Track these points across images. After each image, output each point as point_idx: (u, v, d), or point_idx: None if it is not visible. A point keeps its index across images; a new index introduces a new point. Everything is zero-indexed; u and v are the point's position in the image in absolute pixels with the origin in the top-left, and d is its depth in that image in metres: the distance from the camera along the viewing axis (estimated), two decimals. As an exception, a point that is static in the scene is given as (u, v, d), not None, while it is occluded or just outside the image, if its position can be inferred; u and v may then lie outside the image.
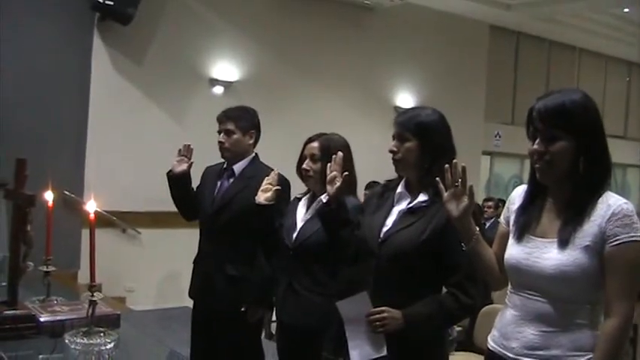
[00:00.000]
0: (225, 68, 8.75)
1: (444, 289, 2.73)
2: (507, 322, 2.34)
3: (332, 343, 2.96)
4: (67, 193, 7.42)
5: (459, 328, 5.53)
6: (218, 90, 8.73)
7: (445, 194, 2.39)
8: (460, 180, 2.37)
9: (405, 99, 10.15)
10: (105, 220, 7.82)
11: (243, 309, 3.76)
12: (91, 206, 2.57)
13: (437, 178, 2.42)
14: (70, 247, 7.44)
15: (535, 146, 2.21)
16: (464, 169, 2.37)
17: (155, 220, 7.97)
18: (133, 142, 7.94)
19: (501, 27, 11.65)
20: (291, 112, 8.94)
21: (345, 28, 9.59)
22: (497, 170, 12.52)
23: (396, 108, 9.83)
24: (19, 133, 6.97)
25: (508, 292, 2.39)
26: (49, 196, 3.01)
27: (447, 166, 2.39)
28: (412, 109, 2.91)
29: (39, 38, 7.34)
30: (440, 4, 10.18)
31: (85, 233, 7.77)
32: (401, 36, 10.10)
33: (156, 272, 8.20)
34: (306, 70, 9.32)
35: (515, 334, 2.28)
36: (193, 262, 4.11)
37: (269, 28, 8.99)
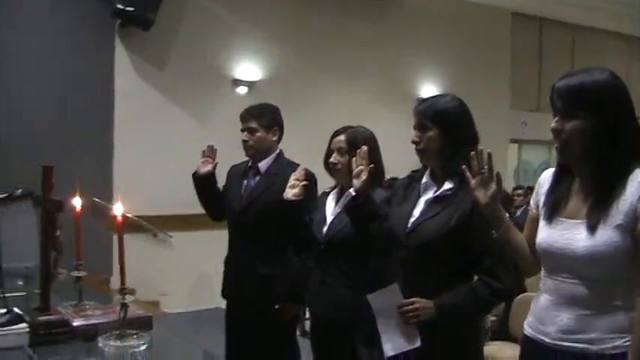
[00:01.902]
0: (248, 68, 8.75)
1: (475, 277, 2.70)
2: (542, 307, 2.30)
3: (365, 335, 2.93)
4: (96, 199, 7.47)
5: (493, 318, 5.50)
6: (242, 90, 8.72)
7: (472, 182, 2.36)
8: (487, 166, 2.34)
9: (429, 90, 10.07)
10: (136, 225, 7.88)
11: (276, 306, 3.76)
12: (118, 209, 2.58)
13: (463, 166, 2.39)
14: (102, 252, 7.48)
15: (553, 124, 2.19)
16: (490, 155, 2.34)
17: (185, 222, 7.99)
18: (159, 146, 7.96)
19: (524, 13, 11.54)
20: (315, 109, 8.92)
21: (366, 21, 9.55)
22: (525, 158, 12.41)
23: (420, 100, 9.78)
24: (46, 141, 7.05)
25: (542, 276, 2.36)
26: (76, 201, 3.02)
27: (472, 153, 2.37)
28: (431, 97, 2.88)
29: (62, 47, 7.42)
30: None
31: (117, 239, 7.83)
32: (423, 27, 10.04)
33: (188, 275, 8.23)
34: (329, 66, 9.29)
35: (551, 319, 2.25)
36: (224, 262, 4.12)
37: (290, 26, 8.98)
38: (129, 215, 7.81)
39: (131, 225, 7.88)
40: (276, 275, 3.78)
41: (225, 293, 4.11)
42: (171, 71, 8.21)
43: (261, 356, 3.89)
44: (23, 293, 3.23)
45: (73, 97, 7.47)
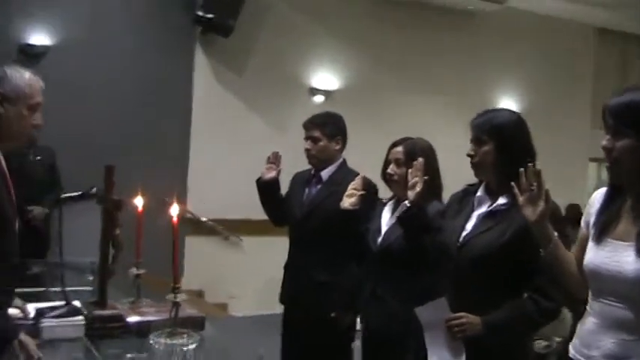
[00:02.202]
0: (325, 77, 8.81)
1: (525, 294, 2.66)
2: (587, 330, 2.25)
3: (415, 349, 2.92)
4: (169, 200, 7.64)
5: (558, 339, 5.37)
6: (318, 99, 8.78)
7: (521, 199, 2.32)
8: (536, 183, 2.30)
9: (508, 105, 9.88)
10: (208, 227, 8.04)
11: (332, 314, 3.77)
12: (174, 210, 2.65)
13: (512, 183, 2.36)
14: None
15: (604, 142, 2.14)
16: (538, 172, 2.30)
17: (256, 227, 8.04)
18: (234, 151, 8.07)
19: (607, 29, 11.23)
20: (391, 120, 8.85)
21: (445, 34, 9.46)
22: (605, 177, 12.06)
23: (499, 115, 9.61)
24: (126, 142, 7.27)
25: (589, 298, 2.30)
26: (138, 201, 3.11)
27: (521, 169, 2.33)
28: (488, 111, 2.85)
29: (145, 52, 7.65)
30: (542, 7, 9.90)
31: (189, 240, 8.03)
32: (502, 41, 9.86)
33: (257, 279, 8.28)
34: (406, 78, 9.25)
35: (595, 343, 2.19)
36: (283, 268, 4.17)
37: (368, 37, 8.99)
38: (204, 219, 8.01)
39: (203, 228, 8.07)
40: (334, 283, 3.78)
41: (282, 299, 4.15)
42: (249, 78, 8.34)
43: (315, 364, 3.92)
44: (90, 288, 3.34)
45: (154, 100, 7.69)
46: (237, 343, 3.37)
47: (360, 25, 8.95)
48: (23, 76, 2.62)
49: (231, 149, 8.03)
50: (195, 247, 8.12)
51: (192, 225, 8.08)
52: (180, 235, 7.86)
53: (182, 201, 7.91)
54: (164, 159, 7.69)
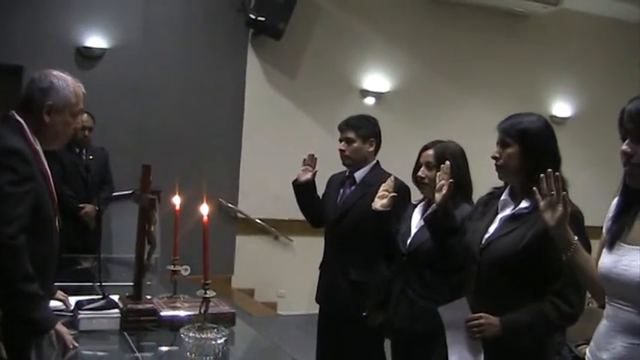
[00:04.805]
0: (376, 79, 8.84)
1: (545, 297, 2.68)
2: (601, 332, 2.26)
3: (443, 349, 2.96)
4: (221, 200, 7.80)
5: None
6: (369, 101, 8.82)
7: (541, 204, 2.33)
8: (555, 189, 2.31)
9: (562, 108, 9.80)
10: (258, 227, 8.16)
11: (364, 314, 3.82)
12: (204, 209, 2.73)
13: (534, 188, 2.38)
14: (225, 252, 7.83)
15: (623, 147, 2.13)
16: (557, 177, 2.30)
17: (306, 228, 8.13)
18: (285, 152, 8.10)
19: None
20: (442, 123, 8.75)
21: (498, 36, 9.39)
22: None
23: (552, 117, 9.51)
24: (180, 143, 7.47)
25: (606, 302, 2.32)
26: (176, 200, 3.21)
27: (542, 175, 2.34)
28: (516, 115, 2.87)
29: (198, 56, 7.84)
30: (597, 8, 9.71)
31: (240, 239, 8.18)
32: (557, 43, 9.72)
33: (306, 279, 8.33)
34: (458, 81, 9.21)
35: (606, 346, 2.20)
36: (319, 268, 4.24)
37: (420, 39, 9.00)
38: (258, 220, 8.15)
39: (254, 227, 8.20)
40: (367, 283, 3.85)
41: (318, 298, 4.23)
42: (300, 79, 8.45)
43: (349, 361, 3.99)
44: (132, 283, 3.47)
45: (207, 102, 7.89)
46: (267, 342, 3.45)
47: (411, 28, 8.97)
48: (69, 85, 2.72)
49: (282, 150, 8.09)
50: (245, 246, 8.26)
51: (244, 224, 8.23)
52: (231, 235, 8.08)
53: (234, 200, 8.08)
54: (216, 159, 7.87)
